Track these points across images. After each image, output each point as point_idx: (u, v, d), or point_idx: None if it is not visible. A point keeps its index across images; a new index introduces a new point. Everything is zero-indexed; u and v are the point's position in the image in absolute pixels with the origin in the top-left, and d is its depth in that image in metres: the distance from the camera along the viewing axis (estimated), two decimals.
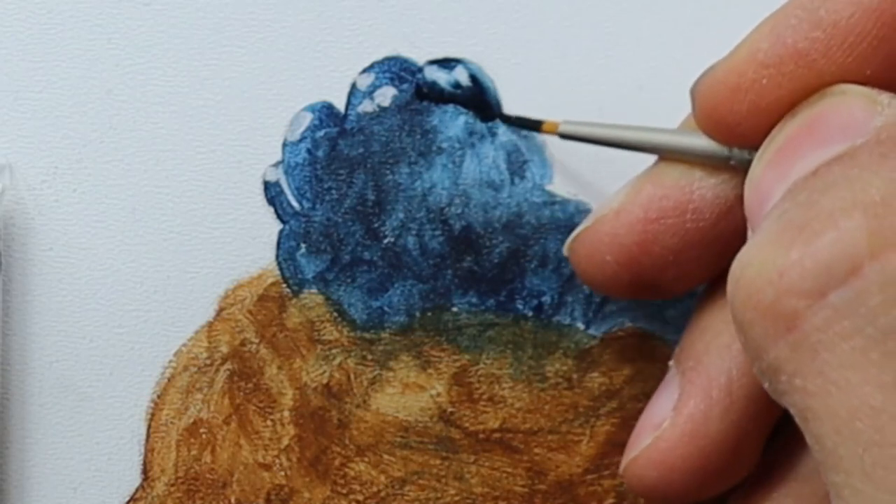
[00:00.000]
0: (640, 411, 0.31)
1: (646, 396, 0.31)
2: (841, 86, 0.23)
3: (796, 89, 0.24)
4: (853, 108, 0.22)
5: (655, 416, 0.27)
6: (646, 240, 0.27)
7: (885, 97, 0.22)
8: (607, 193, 0.31)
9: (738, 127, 0.25)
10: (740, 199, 0.26)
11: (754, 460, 0.27)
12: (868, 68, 0.23)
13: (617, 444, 0.31)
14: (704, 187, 0.26)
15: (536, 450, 0.31)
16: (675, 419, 0.26)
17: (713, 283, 0.28)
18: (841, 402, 0.20)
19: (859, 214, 0.20)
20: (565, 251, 0.28)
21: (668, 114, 0.31)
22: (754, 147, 0.25)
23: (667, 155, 0.27)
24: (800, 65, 0.24)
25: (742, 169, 0.25)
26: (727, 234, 0.26)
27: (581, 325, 0.31)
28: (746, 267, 0.21)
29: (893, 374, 0.19)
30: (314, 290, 0.31)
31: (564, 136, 0.28)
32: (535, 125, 0.30)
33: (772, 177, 0.23)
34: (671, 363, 0.28)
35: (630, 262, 0.27)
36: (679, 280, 0.27)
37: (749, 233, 0.24)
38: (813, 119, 0.23)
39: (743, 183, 0.25)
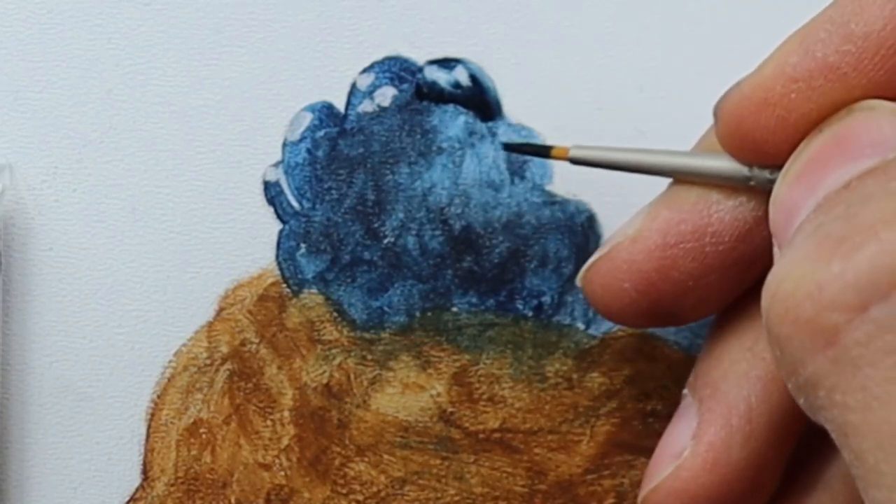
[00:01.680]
0: (640, 411, 0.31)
1: (646, 396, 0.31)
2: (868, 101, 0.23)
3: (826, 104, 0.23)
4: (882, 123, 0.22)
5: (674, 446, 0.27)
6: (664, 265, 0.26)
7: None
8: (607, 194, 0.31)
9: (763, 144, 0.24)
10: (759, 221, 0.26)
11: (774, 486, 0.27)
12: None
13: (617, 444, 0.31)
14: (723, 210, 0.26)
15: (536, 450, 0.31)
16: (696, 448, 0.26)
17: (725, 310, 0.28)
18: (883, 417, 0.20)
19: None
20: (578, 282, 0.28)
21: (668, 114, 0.31)
22: (777, 166, 0.24)
23: (683, 178, 0.26)
24: (830, 79, 0.23)
25: (762, 190, 0.25)
26: (746, 257, 0.26)
27: (581, 325, 0.31)
28: (783, 281, 0.21)
29: None
30: (314, 290, 0.31)
31: (575, 162, 0.28)
32: (543, 151, 0.29)
33: (799, 192, 0.23)
34: (686, 392, 0.27)
35: (649, 290, 0.26)
36: (698, 306, 0.27)
37: (776, 250, 0.24)
38: (841, 134, 0.23)
39: (762, 204, 0.25)
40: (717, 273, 0.26)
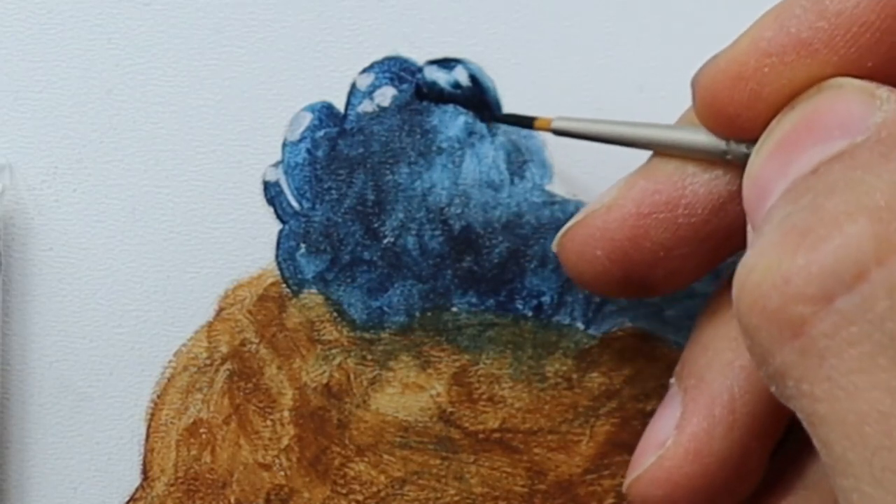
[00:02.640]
0: (639, 411, 0.31)
1: (646, 396, 0.31)
2: (838, 79, 0.23)
3: (798, 79, 0.24)
4: (850, 103, 0.22)
5: (658, 435, 0.27)
6: (637, 235, 0.27)
7: (883, 91, 0.22)
8: None
9: (737, 118, 0.25)
10: (733, 195, 0.26)
11: (758, 476, 0.27)
12: (870, 60, 0.23)
13: (617, 444, 0.31)
14: (697, 183, 0.26)
15: (536, 450, 0.31)
16: (679, 438, 0.26)
17: (711, 299, 0.28)
18: (849, 407, 0.20)
19: (864, 219, 0.20)
20: (554, 247, 0.28)
21: (669, 114, 0.31)
22: (752, 140, 0.24)
23: (661, 150, 0.27)
24: (802, 54, 0.23)
25: (738, 164, 0.25)
26: (719, 231, 0.26)
27: (581, 325, 0.31)
28: (751, 272, 0.21)
29: None
30: (314, 290, 0.31)
31: (558, 133, 0.28)
32: (526, 122, 0.29)
33: (771, 172, 0.23)
34: (672, 380, 0.28)
35: (621, 258, 0.27)
36: (669, 278, 0.27)
37: (749, 228, 0.24)
38: (810, 114, 0.23)
39: (738, 178, 0.25)
40: (689, 245, 0.26)
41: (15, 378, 0.31)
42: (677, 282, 0.27)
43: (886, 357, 0.20)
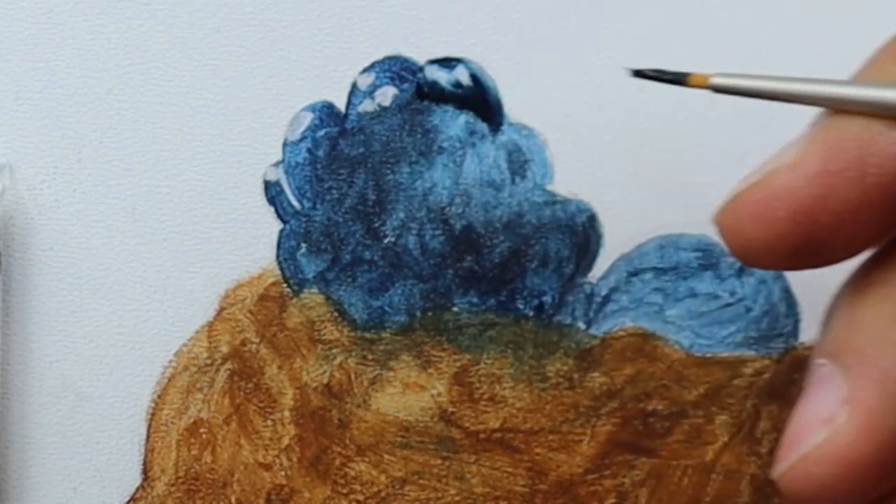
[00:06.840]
0: (641, 411, 0.31)
1: (647, 396, 0.31)
2: None
3: None
4: None
5: (818, 413, 0.26)
6: (824, 193, 0.25)
7: None
8: (608, 193, 0.31)
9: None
10: None
11: None
12: None
13: (618, 443, 0.31)
14: (888, 140, 0.25)
15: (537, 450, 0.31)
16: (853, 413, 0.25)
17: (859, 277, 0.26)
18: None
19: None
20: (718, 218, 0.26)
21: (669, 114, 0.31)
22: None
23: (843, 107, 0.25)
24: None
25: None
26: None
27: (582, 325, 0.31)
28: None
29: None
30: (315, 290, 0.31)
31: (717, 90, 0.26)
32: (677, 79, 0.27)
33: None
34: (820, 360, 0.26)
35: (805, 219, 0.25)
36: (850, 242, 0.25)
37: None
38: None
39: None
40: (874, 208, 0.25)
41: (15, 378, 0.31)
42: (855, 247, 0.26)
43: None
